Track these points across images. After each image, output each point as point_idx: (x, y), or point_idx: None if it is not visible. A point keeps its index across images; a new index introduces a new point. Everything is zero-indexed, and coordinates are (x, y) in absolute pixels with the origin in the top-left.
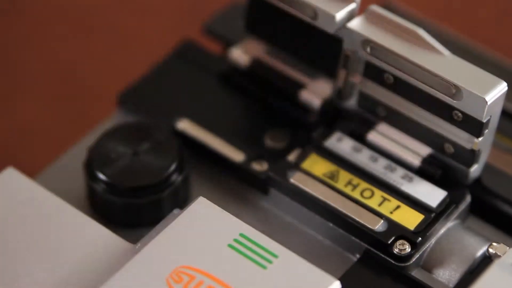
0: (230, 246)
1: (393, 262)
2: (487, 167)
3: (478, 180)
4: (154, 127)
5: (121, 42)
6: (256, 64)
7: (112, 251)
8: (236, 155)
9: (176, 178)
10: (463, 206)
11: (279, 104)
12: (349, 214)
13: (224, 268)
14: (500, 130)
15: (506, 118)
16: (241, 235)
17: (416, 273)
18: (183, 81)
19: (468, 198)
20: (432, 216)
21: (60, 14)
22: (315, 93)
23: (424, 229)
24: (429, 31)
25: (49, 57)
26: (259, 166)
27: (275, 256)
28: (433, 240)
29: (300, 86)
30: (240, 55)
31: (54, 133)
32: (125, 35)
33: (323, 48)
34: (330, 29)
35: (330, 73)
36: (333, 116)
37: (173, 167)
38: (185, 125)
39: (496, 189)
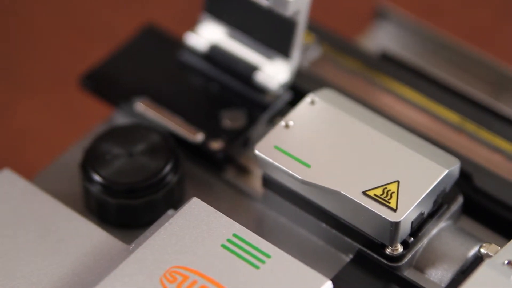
0: (223, 246)
1: (385, 262)
2: (478, 168)
3: (470, 181)
4: (149, 129)
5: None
6: (214, 47)
7: (106, 251)
8: (195, 135)
9: (171, 179)
10: (455, 206)
11: (237, 86)
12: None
13: (217, 268)
14: (491, 130)
15: (497, 119)
16: (234, 235)
17: (409, 273)
18: (144, 64)
19: (460, 199)
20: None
21: (62, 17)
22: (271, 74)
23: (417, 229)
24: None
25: (47, 59)
26: (217, 145)
27: (268, 256)
28: (425, 241)
29: (256, 68)
30: (198, 38)
31: (50, 135)
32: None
33: (278, 30)
34: (284, 12)
35: (286, 54)
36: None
37: (167, 168)
38: (144, 106)
39: (488, 190)
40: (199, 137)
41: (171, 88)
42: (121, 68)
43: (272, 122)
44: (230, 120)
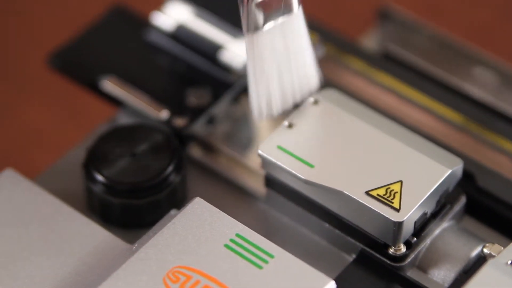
0: (226, 246)
1: (388, 262)
2: (481, 168)
3: (473, 181)
4: (152, 128)
5: None
6: (180, 27)
7: (109, 251)
8: (159, 112)
9: (174, 179)
10: (458, 206)
11: (202, 65)
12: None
13: (220, 268)
14: (495, 130)
15: (500, 119)
16: (237, 235)
17: (412, 273)
18: (112, 43)
19: (463, 199)
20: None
21: (63, 15)
22: (236, 53)
23: (420, 229)
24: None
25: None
26: (181, 122)
27: (271, 256)
28: (428, 241)
29: (221, 46)
30: (164, 18)
31: (53, 135)
32: None
33: None
34: None
35: None
36: None
37: (170, 168)
38: (110, 84)
39: (491, 190)
40: (164, 114)
41: (138, 67)
42: (89, 47)
43: (236, 100)
44: (195, 97)
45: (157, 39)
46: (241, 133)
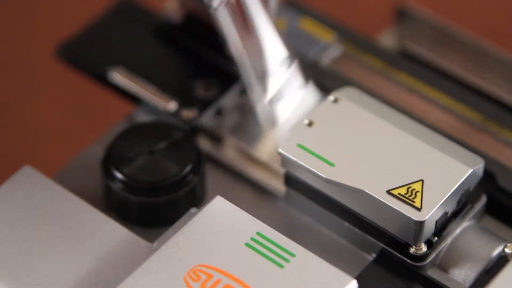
0: (247, 245)
1: (409, 261)
2: (502, 167)
3: (493, 180)
4: (170, 126)
5: None
6: (189, 17)
7: (129, 249)
8: (167, 104)
9: (193, 177)
10: (478, 206)
11: (211, 56)
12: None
13: (241, 266)
14: None
15: None
16: (259, 234)
17: (432, 273)
18: (120, 35)
19: (483, 198)
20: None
21: (71, 11)
22: None
23: (441, 229)
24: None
25: None
26: (189, 114)
27: (292, 255)
28: (449, 240)
29: None
30: (174, 8)
31: (68, 133)
32: None
33: None
34: None
35: None
36: None
37: (190, 166)
38: (118, 76)
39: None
40: (171, 105)
41: (146, 58)
42: (98, 38)
43: (244, 92)
44: (203, 89)
45: (166, 30)
46: (250, 124)
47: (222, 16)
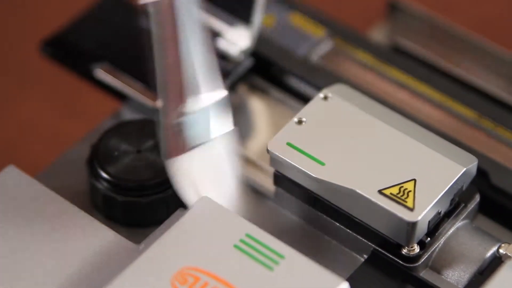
0: (235, 246)
1: (401, 262)
2: (496, 165)
3: (486, 179)
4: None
5: None
6: None
7: (115, 251)
8: (155, 102)
9: None
10: (472, 205)
11: None
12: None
13: (229, 269)
14: (508, 126)
15: None
16: (247, 235)
17: (425, 274)
18: (105, 30)
19: (477, 197)
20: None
21: (62, 6)
22: (232, 41)
23: (433, 229)
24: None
25: None
26: None
27: (281, 256)
28: (442, 240)
29: (217, 34)
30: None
31: (55, 130)
32: None
33: None
34: None
35: (247, 20)
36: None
37: None
38: (104, 73)
39: (505, 188)
40: (159, 103)
41: (132, 54)
42: (82, 34)
43: (233, 88)
44: None
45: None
46: (238, 121)
47: (152, 14)
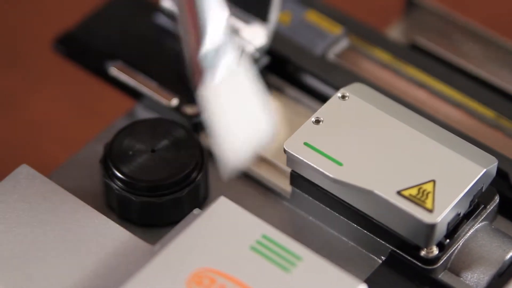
0: (252, 248)
1: (420, 264)
2: None
3: (506, 180)
4: (173, 123)
5: None
6: None
7: (129, 252)
8: (170, 100)
9: (196, 176)
10: (491, 206)
11: None
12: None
13: (246, 270)
14: None
15: None
16: (264, 236)
17: (444, 276)
18: (119, 28)
19: (496, 198)
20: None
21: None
22: (248, 38)
23: (452, 230)
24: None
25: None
26: (191, 110)
27: (298, 258)
28: (461, 242)
29: (233, 32)
30: (172, 2)
31: (67, 129)
32: None
33: None
34: None
35: (263, 18)
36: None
37: (192, 164)
38: (117, 71)
39: None
40: (174, 102)
41: (146, 52)
42: (95, 31)
43: None
44: None
45: (166, 23)
46: None
47: None
